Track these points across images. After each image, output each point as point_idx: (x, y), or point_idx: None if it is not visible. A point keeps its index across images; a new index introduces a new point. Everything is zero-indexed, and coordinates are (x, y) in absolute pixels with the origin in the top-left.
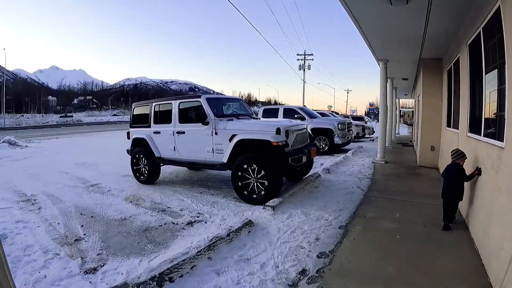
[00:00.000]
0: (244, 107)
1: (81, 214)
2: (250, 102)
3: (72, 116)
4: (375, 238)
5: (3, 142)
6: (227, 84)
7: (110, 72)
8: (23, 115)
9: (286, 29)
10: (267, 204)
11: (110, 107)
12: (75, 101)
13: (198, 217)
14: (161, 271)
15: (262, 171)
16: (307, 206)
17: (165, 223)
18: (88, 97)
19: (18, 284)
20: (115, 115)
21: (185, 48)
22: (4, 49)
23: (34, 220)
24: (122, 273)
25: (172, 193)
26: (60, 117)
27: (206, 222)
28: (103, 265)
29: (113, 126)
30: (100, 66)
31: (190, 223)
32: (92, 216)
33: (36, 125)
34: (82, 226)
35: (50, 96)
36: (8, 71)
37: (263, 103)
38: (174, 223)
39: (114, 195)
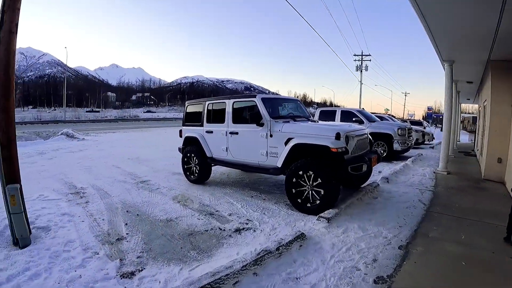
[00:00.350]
0: (301, 108)
1: (127, 211)
2: (306, 102)
3: (99, 111)
4: (438, 263)
5: (61, 134)
6: (283, 84)
7: (168, 70)
8: (55, 109)
9: (343, 28)
10: (321, 215)
11: (167, 104)
12: (133, 97)
13: (247, 224)
14: (201, 285)
15: (319, 179)
16: (365, 220)
17: (212, 228)
18: (146, 94)
19: (52, 282)
20: (149, 111)
21: (242, 47)
22: (65, 47)
23: (80, 214)
24: (159, 282)
25: (222, 195)
26: (87, 111)
27: (255, 231)
28: (142, 270)
29: (168, 122)
30: (158, 65)
31: (238, 231)
32: (137, 215)
33: (94, 119)
34: (126, 224)
35: (109, 92)
36: (70, 68)
37: (318, 104)
38: (221, 229)
39: (163, 194)
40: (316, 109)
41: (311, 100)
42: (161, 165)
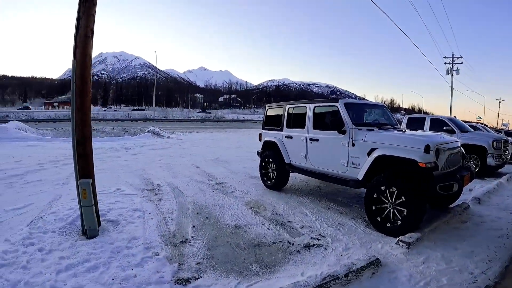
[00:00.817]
0: (387, 115)
1: (197, 213)
2: (393, 108)
3: (144, 110)
4: None
5: (148, 131)
6: (370, 88)
7: (254, 73)
8: (110, 107)
9: (432, 29)
10: (401, 238)
11: (253, 106)
12: (220, 99)
13: (318, 239)
14: None
15: (402, 197)
16: (450, 248)
17: (280, 241)
18: (232, 96)
19: (106, 277)
20: (204, 111)
21: (328, 50)
22: (155, 51)
23: (151, 211)
24: None
25: (297, 205)
26: (132, 110)
27: (326, 249)
28: (198, 278)
29: (253, 124)
30: (245, 68)
31: (307, 246)
32: (207, 218)
33: (181, 118)
34: (193, 226)
35: (197, 94)
36: (160, 70)
37: (406, 110)
38: (289, 243)
39: (236, 198)
40: (404, 115)
41: (399, 106)
42: (240, 168)
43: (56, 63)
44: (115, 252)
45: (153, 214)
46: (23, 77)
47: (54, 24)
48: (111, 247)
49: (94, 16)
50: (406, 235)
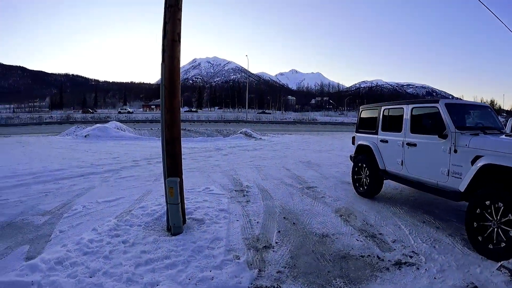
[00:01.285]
0: (492, 117)
1: (284, 217)
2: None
3: (196, 111)
4: None
5: (240, 133)
6: (468, 88)
7: (346, 75)
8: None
9: None
10: (504, 264)
11: (345, 108)
12: (313, 101)
13: (411, 257)
14: None
15: (510, 215)
16: None
17: (369, 255)
18: (324, 98)
19: (183, 277)
20: (264, 112)
21: (423, 49)
22: (246, 55)
23: (237, 212)
24: None
25: (390, 215)
26: (185, 111)
27: (418, 269)
28: None
29: (346, 127)
30: (337, 69)
31: (398, 264)
32: (293, 223)
33: (273, 120)
34: (278, 232)
35: (289, 96)
36: (252, 73)
37: (507, 112)
38: (379, 258)
39: (326, 204)
40: (506, 118)
41: (500, 107)
42: (331, 172)
43: (153, 69)
44: (196, 252)
45: (239, 216)
46: (123, 82)
47: (152, 33)
48: (193, 246)
49: (180, 20)
50: (510, 260)
